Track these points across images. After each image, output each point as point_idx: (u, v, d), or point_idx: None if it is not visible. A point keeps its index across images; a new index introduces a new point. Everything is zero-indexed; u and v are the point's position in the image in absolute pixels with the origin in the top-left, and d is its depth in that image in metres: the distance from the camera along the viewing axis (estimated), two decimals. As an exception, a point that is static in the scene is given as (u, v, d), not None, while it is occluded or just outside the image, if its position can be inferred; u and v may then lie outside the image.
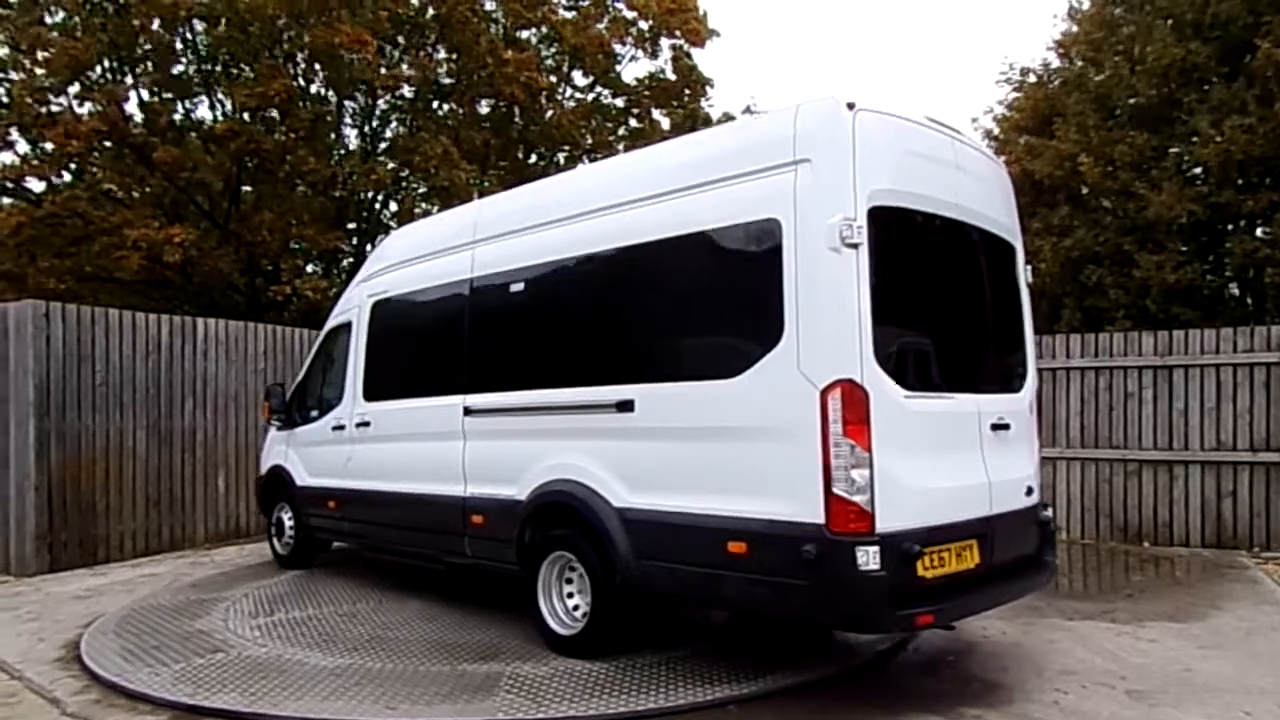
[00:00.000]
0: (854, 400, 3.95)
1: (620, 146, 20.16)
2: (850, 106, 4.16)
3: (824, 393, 3.96)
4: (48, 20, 13.90)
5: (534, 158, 19.54)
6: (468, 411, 5.89)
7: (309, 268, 16.50)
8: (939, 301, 4.70)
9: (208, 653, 5.34)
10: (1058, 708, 4.35)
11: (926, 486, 4.20)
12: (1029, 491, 4.97)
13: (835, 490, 3.92)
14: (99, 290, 14.72)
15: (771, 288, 4.16)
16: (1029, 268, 5.40)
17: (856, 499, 3.92)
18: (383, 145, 17.30)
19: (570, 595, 5.27)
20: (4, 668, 5.30)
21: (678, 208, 4.71)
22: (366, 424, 6.88)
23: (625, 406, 4.79)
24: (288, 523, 7.98)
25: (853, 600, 3.98)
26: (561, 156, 19.79)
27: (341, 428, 7.16)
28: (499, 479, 5.60)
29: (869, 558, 3.87)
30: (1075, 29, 16.25)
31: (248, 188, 15.72)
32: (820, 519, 3.94)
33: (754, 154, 4.42)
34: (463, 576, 6.82)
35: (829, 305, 4.03)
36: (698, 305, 4.72)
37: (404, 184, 17.30)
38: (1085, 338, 9.31)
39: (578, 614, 5.18)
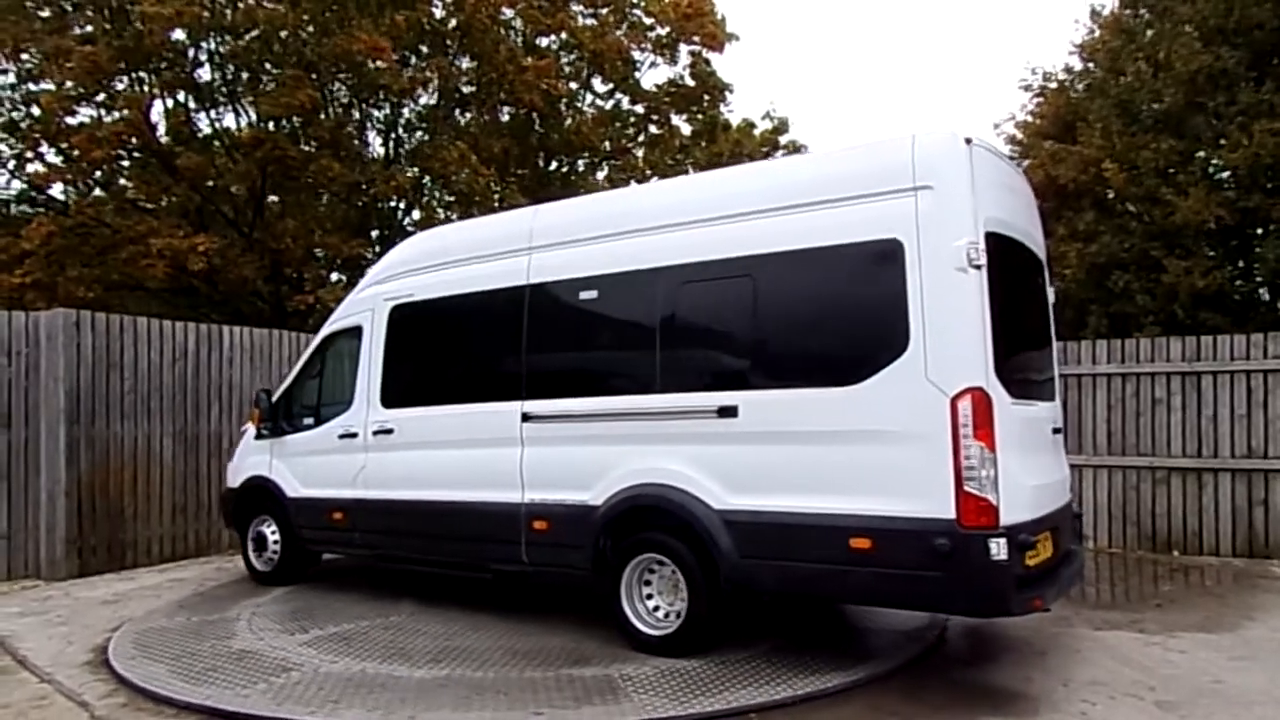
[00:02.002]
0: (981, 406, 4.35)
1: (639, 153, 20.25)
2: (967, 141, 4.62)
3: (954, 399, 4.35)
4: (75, 31, 14.12)
5: (554, 164, 19.62)
6: (526, 417, 5.85)
7: (332, 276, 16.63)
8: (1015, 316, 5.01)
9: (280, 671, 5.13)
10: (1085, 719, 4.30)
11: (1027, 484, 4.67)
12: (1070, 489, 5.59)
13: (966, 488, 4.30)
14: (127, 298, 14.94)
15: (895, 302, 4.53)
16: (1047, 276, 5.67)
17: (985, 495, 4.31)
18: (404, 152, 17.44)
19: (649, 597, 5.40)
20: (35, 671, 5.39)
21: (790, 223, 4.96)
22: (388, 431, 6.68)
23: (728, 412, 4.99)
24: (271, 537, 7.59)
25: (986, 588, 4.36)
26: (581, 163, 19.88)
27: (352, 436, 6.92)
28: (568, 484, 5.62)
29: (999, 548, 4.26)
30: (1097, 33, 16.15)
31: (273, 197, 15.89)
32: (951, 514, 4.31)
33: (870, 178, 4.76)
34: (462, 584, 6.84)
35: (957, 320, 4.42)
36: (811, 316, 5.00)
37: (425, 190, 17.42)
38: (1111, 344, 9.21)
39: (658, 614, 5.35)
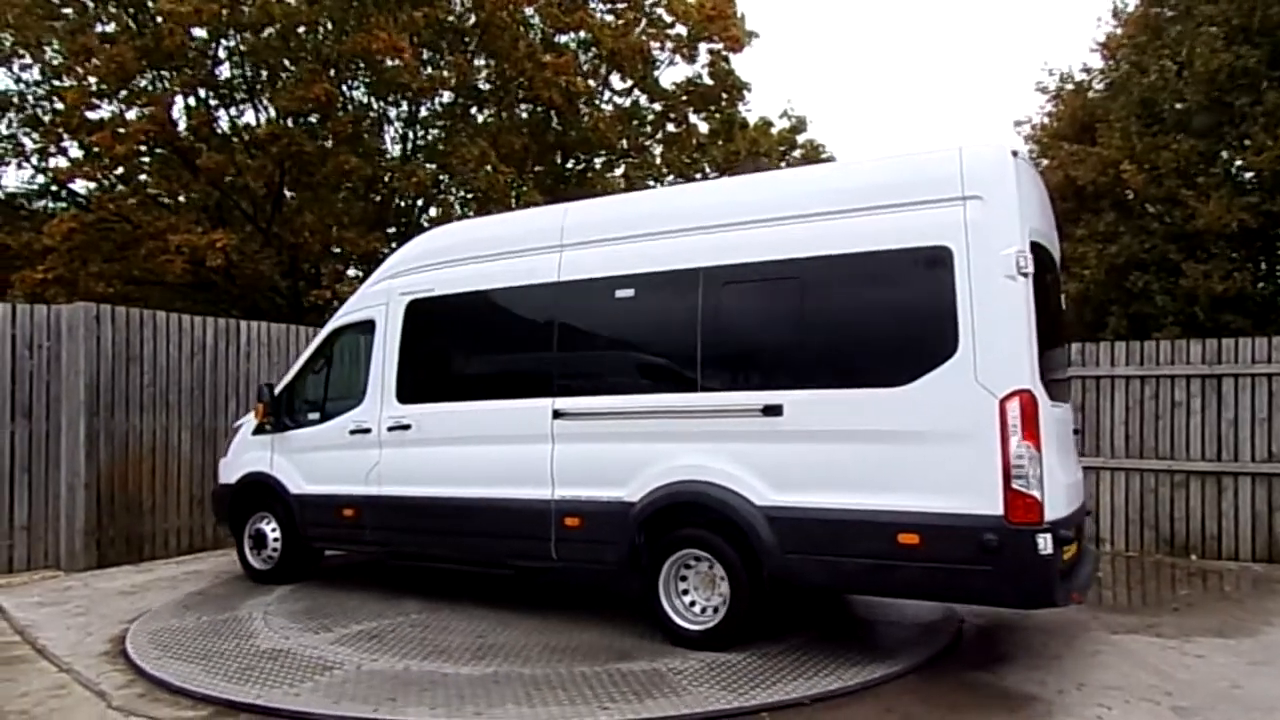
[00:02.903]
0: (1029, 407, 4.55)
1: (657, 151, 20.23)
2: (1014, 154, 4.87)
3: (1003, 401, 4.54)
4: (98, 29, 14.27)
5: (571, 162, 19.64)
6: (558, 414, 5.87)
7: (350, 271, 16.73)
8: (1043, 319, 5.04)
9: (321, 670, 5.07)
10: (1101, 723, 4.28)
11: (1062, 482, 4.91)
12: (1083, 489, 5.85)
13: (1014, 486, 4.50)
14: (147, 293, 15.08)
15: (944, 307, 4.71)
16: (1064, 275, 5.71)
17: (1032, 493, 4.50)
18: (421, 149, 17.50)
19: (685, 593, 5.49)
20: (54, 660, 5.45)
21: (838, 227, 5.11)
22: (405, 427, 6.61)
23: (773, 411, 5.10)
24: (271, 535, 7.42)
25: (1033, 581, 4.57)
26: (598, 161, 19.88)
27: (365, 431, 6.82)
28: (602, 481, 5.66)
29: (1046, 543, 4.48)
30: (1119, 30, 15.99)
31: (290, 193, 16.00)
32: (1000, 511, 4.50)
33: (919, 186, 4.95)
34: (471, 581, 6.88)
35: (1006, 325, 4.62)
36: (859, 319, 5.16)
37: (442, 187, 17.48)
38: (1130, 346, 9.12)
39: (694, 610, 5.45)
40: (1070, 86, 17.26)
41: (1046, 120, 18.23)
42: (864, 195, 5.10)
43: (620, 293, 5.77)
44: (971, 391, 4.60)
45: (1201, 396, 8.54)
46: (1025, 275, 4.63)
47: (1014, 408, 4.52)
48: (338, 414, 7.12)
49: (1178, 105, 13.45)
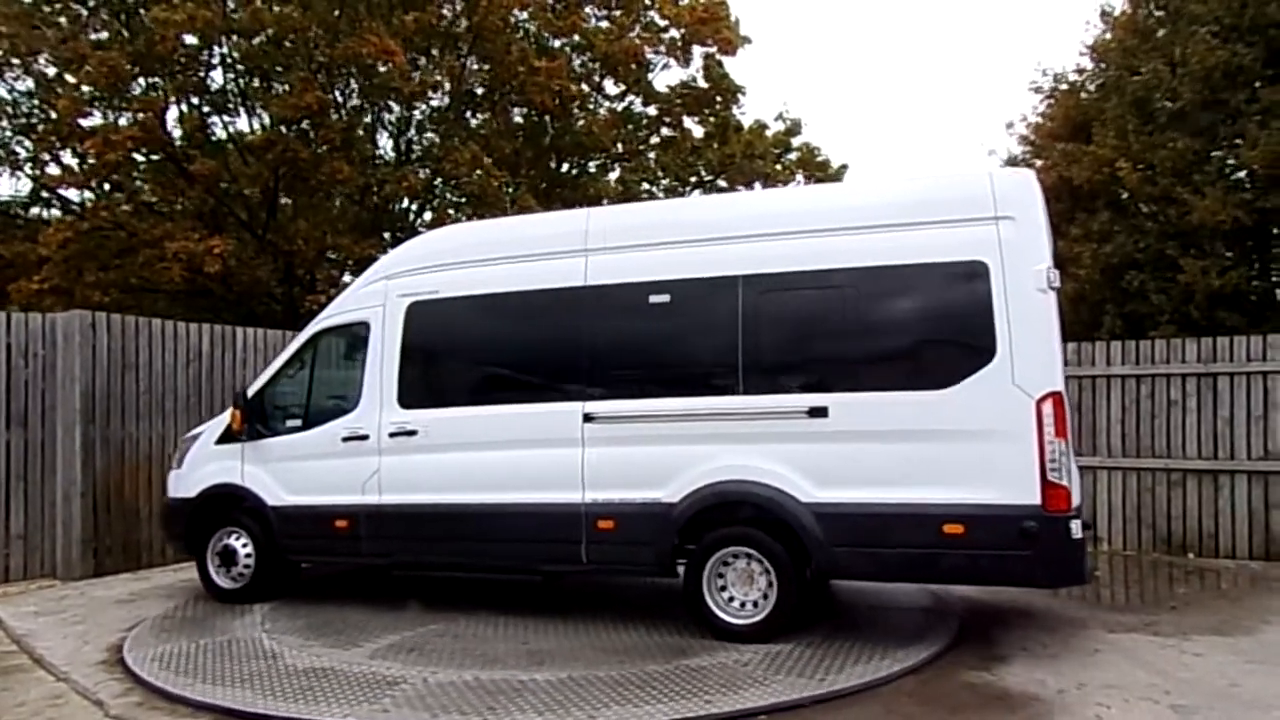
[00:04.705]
0: (1060, 407, 5.09)
1: (652, 155, 20.23)
2: (1039, 180, 5.50)
3: (1039, 402, 5.04)
4: (91, 37, 14.24)
5: (565, 166, 19.64)
6: (589, 418, 5.91)
7: (345, 276, 16.71)
8: None
9: (386, 685, 4.88)
10: (1101, 723, 4.27)
11: (1075, 474, 5.42)
12: None
13: (1049, 478, 5.00)
14: (143, 300, 15.05)
15: (982, 316, 5.19)
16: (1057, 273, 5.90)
17: (1064, 484, 5.04)
18: (415, 153, 17.50)
19: (723, 589, 5.68)
20: (51, 669, 5.43)
21: (878, 240, 5.49)
22: (410, 433, 6.42)
23: (818, 413, 5.42)
24: (242, 551, 6.96)
25: (1067, 562, 5.13)
26: (593, 165, 19.88)
27: (361, 438, 6.56)
28: (638, 483, 5.77)
29: (1077, 528, 5.07)
30: (1109, 35, 16.04)
31: (285, 199, 15.98)
32: (1037, 500, 5.00)
33: (952, 206, 5.43)
34: (466, 588, 6.85)
35: (1039, 334, 5.17)
36: (900, 326, 5.56)
37: (436, 192, 17.47)
38: (1126, 345, 9.14)
39: (733, 605, 5.65)
40: (1064, 86, 17.30)
41: (1040, 120, 18.26)
42: (902, 212, 5.52)
43: (654, 298, 5.91)
44: (1010, 394, 5.07)
45: (1197, 395, 8.56)
46: (1055, 289, 5.19)
47: (1048, 408, 5.03)
48: (325, 420, 6.81)
49: (1171, 104, 13.49)
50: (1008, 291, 5.15)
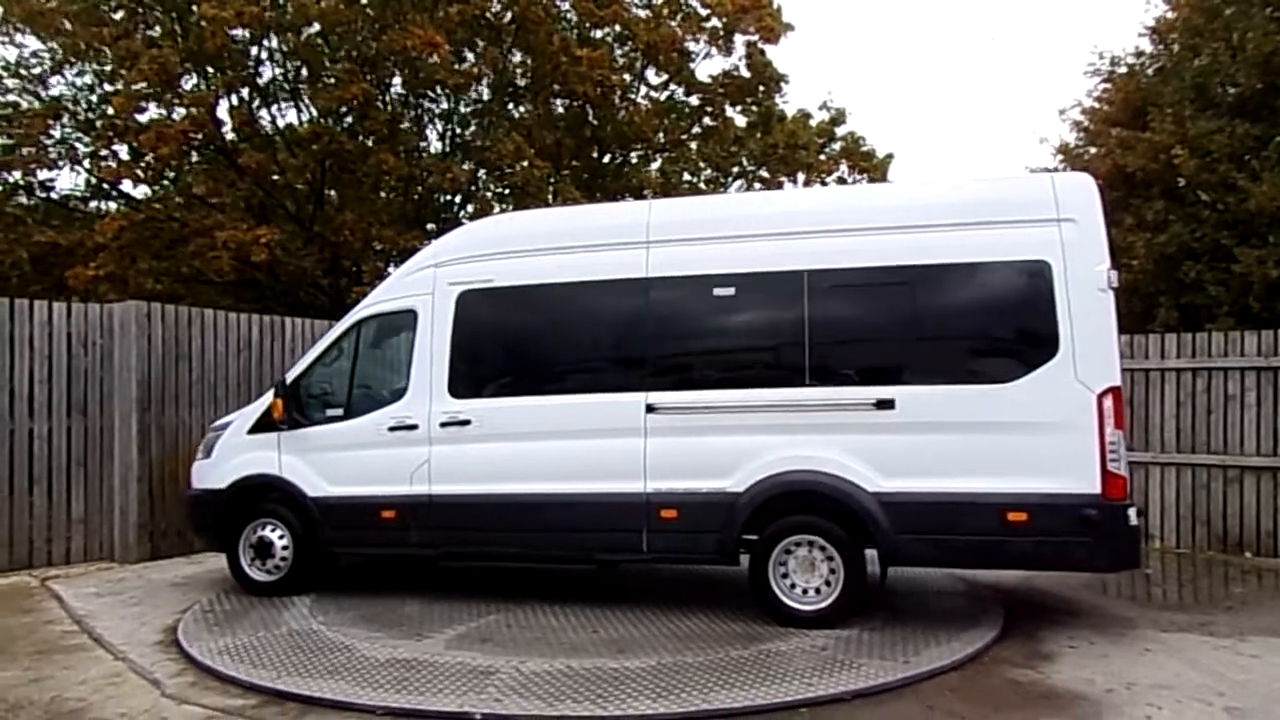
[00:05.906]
0: (1119, 401, 5.39)
1: (693, 145, 20.12)
2: (1098, 184, 5.66)
3: (1100, 396, 5.32)
4: (143, 34, 14.57)
5: (607, 157, 19.63)
6: (651, 409, 5.99)
7: (390, 268, 16.93)
8: None
9: (479, 675, 4.88)
10: (1151, 724, 4.19)
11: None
12: None
13: (1109, 468, 5.30)
14: (194, 290, 15.40)
15: (1046, 314, 5.45)
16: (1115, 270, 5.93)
17: (1122, 474, 5.36)
18: (460, 145, 17.64)
19: (785, 576, 5.85)
20: (110, 649, 5.63)
21: (945, 238, 5.71)
22: (463, 423, 6.38)
23: (885, 405, 5.61)
24: (279, 543, 6.84)
25: (1126, 548, 5.42)
26: (635, 155, 19.84)
27: (410, 428, 6.51)
28: (702, 473, 5.90)
29: (1133, 515, 5.36)
30: (1172, 14, 15.54)
31: (331, 191, 16.22)
32: (1098, 489, 5.30)
33: (1016, 207, 5.70)
34: (505, 577, 6.91)
35: (1099, 331, 5.42)
36: (966, 322, 5.80)
37: (479, 184, 17.60)
38: (1182, 337, 8.91)
39: (796, 592, 5.83)
40: (1122, 69, 16.81)
41: (1095, 105, 17.78)
42: (967, 211, 5.75)
43: (720, 291, 6.03)
44: (1072, 388, 5.34)
45: (1257, 389, 8.31)
46: (1114, 289, 5.43)
47: (1109, 402, 5.32)
48: (369, 409, 6.74)
49: (1231, 89, 13.05)
50: (1070, 290, 5.40)
